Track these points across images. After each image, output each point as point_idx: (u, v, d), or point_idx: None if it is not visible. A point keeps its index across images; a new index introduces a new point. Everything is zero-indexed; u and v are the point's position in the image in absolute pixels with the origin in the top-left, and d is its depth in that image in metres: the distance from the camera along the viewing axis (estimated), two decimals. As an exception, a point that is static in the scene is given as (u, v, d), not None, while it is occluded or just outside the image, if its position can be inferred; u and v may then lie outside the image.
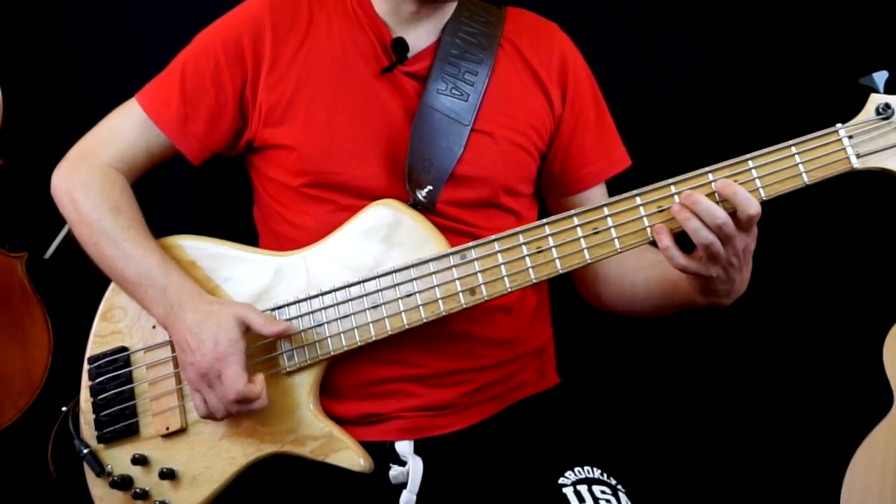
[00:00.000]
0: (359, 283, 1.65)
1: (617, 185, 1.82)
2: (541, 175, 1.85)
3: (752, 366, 2.38)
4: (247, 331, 1.64)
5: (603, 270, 1.83)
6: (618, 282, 1.82)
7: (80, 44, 2.36)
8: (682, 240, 1.54)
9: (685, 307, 1.71)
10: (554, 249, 1.59)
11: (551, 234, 1.60)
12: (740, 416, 2.39)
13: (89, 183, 1.74)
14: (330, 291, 1.66)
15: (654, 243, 1.56)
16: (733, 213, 1.50)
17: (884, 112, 1.51)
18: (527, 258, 1.60)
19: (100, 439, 1.74)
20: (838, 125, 1.53)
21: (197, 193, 2.34)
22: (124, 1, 2.34)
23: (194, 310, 1.65)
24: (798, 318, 2.35)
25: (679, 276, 1.63)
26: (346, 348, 1.65)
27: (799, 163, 1.52)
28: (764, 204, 1.52)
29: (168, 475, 1.70)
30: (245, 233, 1.82)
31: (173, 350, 1.70)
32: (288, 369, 1.67)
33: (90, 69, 2.36)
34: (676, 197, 1.55)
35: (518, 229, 1.61)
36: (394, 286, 1.63)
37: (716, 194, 1.52)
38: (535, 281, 1.60)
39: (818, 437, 2.32)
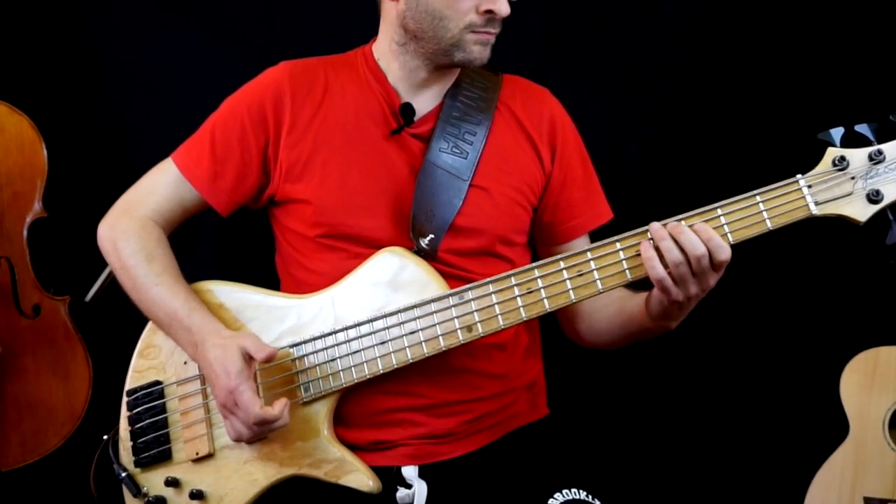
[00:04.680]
0: (368, 321, 1.73)
1: (599, 231, 1.90)
2: (532, 226, 1.92)
3: (721, 396, 2.47)
4: (251, 358, 1.71)
5: (577, 310, 1.90)
6: (588, 319, 1.90)
7: (119, 109, 2.49)
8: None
9: (639, 337, 1.81)
10: (542, 290, 1.67)
11: (540, 277, 1.67)
12: (711, 442, 2.46)
13: (129, 233, 1.84)
14: (342, 329, 1.74)
15: (628, 285, 1.65)
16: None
17: (840, 164, 1.59)
18: (518, 298, 1.68)
19: (136, 464, 1.83)
20: (798, 176, 1.60)
21: (226, 244, 2.45)
22: (160, 69, 2.47)
23: (213, 345, 1.72)
24: (766, 356, 2.43)
25: (633, 310, 1.74)
26: (356, 380, 1.73)
27: (763, 210, 1.60)
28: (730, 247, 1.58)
29: (197, 496, 1.78)
30: (268, 278, 1.90)
31: (203, 383, 1.79)
32: (304, 399, 1.75)
33: (129, 131, 2.49)
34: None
35: (510, 272, 1.68)
36: (399, 324, 1.72)
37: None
38: (525, 319, 1.68)
39: (782, 461, 2.39)
